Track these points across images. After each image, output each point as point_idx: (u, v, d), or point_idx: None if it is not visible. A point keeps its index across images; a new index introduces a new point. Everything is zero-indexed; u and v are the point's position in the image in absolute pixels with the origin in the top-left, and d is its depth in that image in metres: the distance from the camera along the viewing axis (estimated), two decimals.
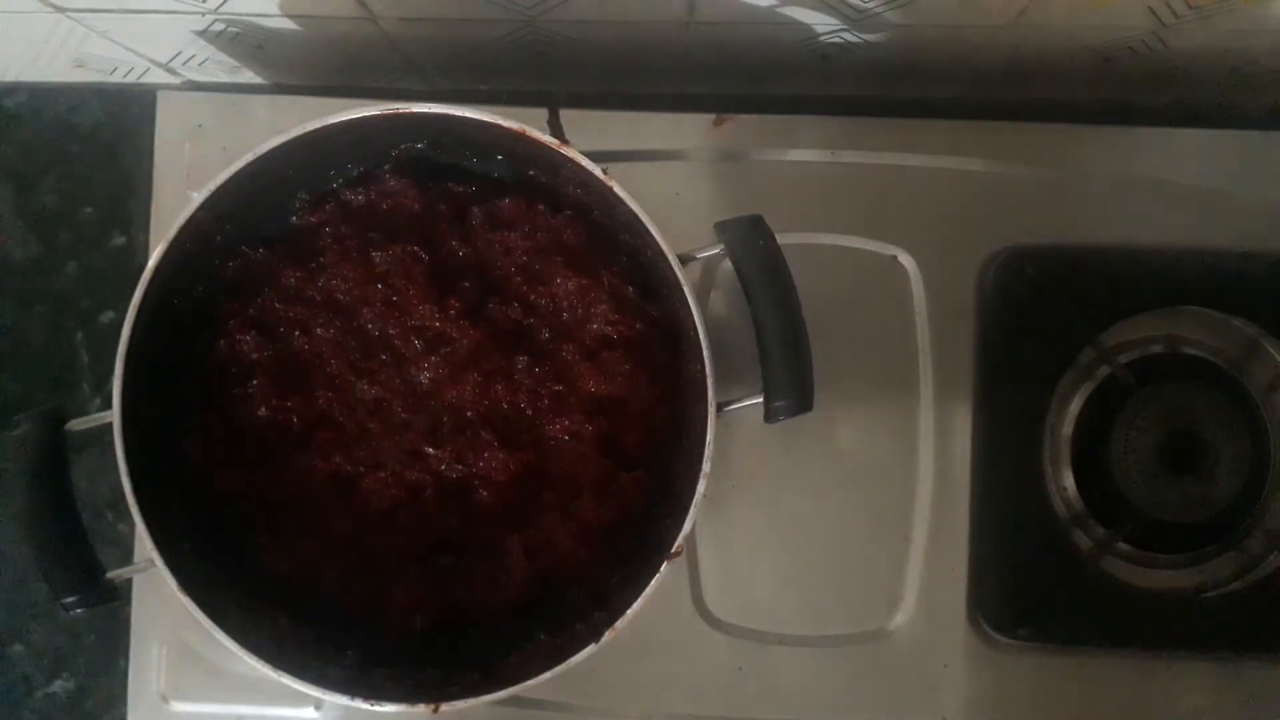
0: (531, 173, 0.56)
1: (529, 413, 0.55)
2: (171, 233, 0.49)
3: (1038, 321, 0.60)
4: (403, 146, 0.55)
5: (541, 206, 0.56)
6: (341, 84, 0.66)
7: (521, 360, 0.55)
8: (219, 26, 0.57)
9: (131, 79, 0.66)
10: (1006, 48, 0.59)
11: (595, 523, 0.55)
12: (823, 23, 0.56)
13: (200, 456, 0.54)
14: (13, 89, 0.66)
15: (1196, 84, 0.65)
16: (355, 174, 0.56)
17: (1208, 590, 0.61)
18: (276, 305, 0.55)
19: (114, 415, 0.48)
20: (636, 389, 0.55)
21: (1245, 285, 0.61)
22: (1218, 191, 0.62)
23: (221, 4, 0.53)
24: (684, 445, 0.55)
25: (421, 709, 0.48)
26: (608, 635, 0.48)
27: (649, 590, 0.48)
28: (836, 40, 0.58)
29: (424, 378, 0.55)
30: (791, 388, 0.48)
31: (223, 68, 0.64)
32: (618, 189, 0.49)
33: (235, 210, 0.51)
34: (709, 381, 0.48)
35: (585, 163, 0.49)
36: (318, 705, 0.60)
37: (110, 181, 0.66)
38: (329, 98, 0.62)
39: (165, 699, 0.61)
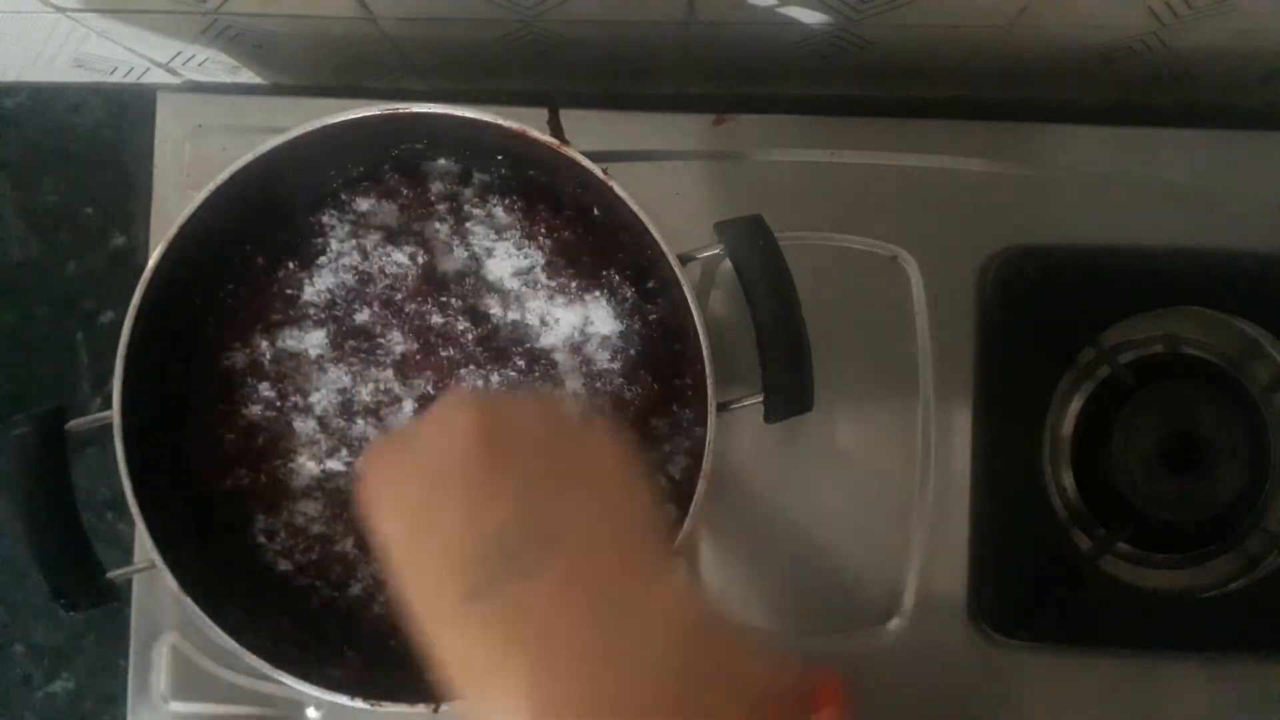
0: (531, 173, 0.56)
1: None
2: (171, 233, 0.49)
3: (1038, 321, 0.60)
4: (403, 146, 0.55)
5: (541, 206, 0.56)
6: (341, 84, 0.66)
7: (520, 360, 0.55)
8: (219, 26, 0.57)
9: (131, 79, 0.66)
10: (1006, 48, 0.59)
11: None
12: (823, 23, 0.56)
13: (200, 456, 0.54)
14: (13, 89, 0.66)
15: (1196, 84, 0.65)
16: (355, 174, 0.56)
17: (1208, 590, 0.61)
18: (276, 305, 0.55)
19: (114, 415, 0.48)
20: (636, 389, 0.55)
21: (1245, 285, 0.61)
22: (1218, 191, 0.62)
23: (221, 4, 0.53)
24: (684, 445, 0.55)
25: (421, 709, 0.48)
26: None
27: None
28: (836, 40, 0.58)
29: (423, 377, 0.55)
30: (791, 388, 0.48)
31: (223, 68, 0.64)
32: (618, 189, 0.49)
33: (235, 210, 0.51)
34: (709, 381, 0.48)
35: (585, 163, 0.49)
36: (318, 705, 0.60)
37: (110, 181, 0.66)
38: (329, 98, 0.62)
39: (165, 699, 0.61)
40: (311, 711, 0.60)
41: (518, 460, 0.33)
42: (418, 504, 0.33)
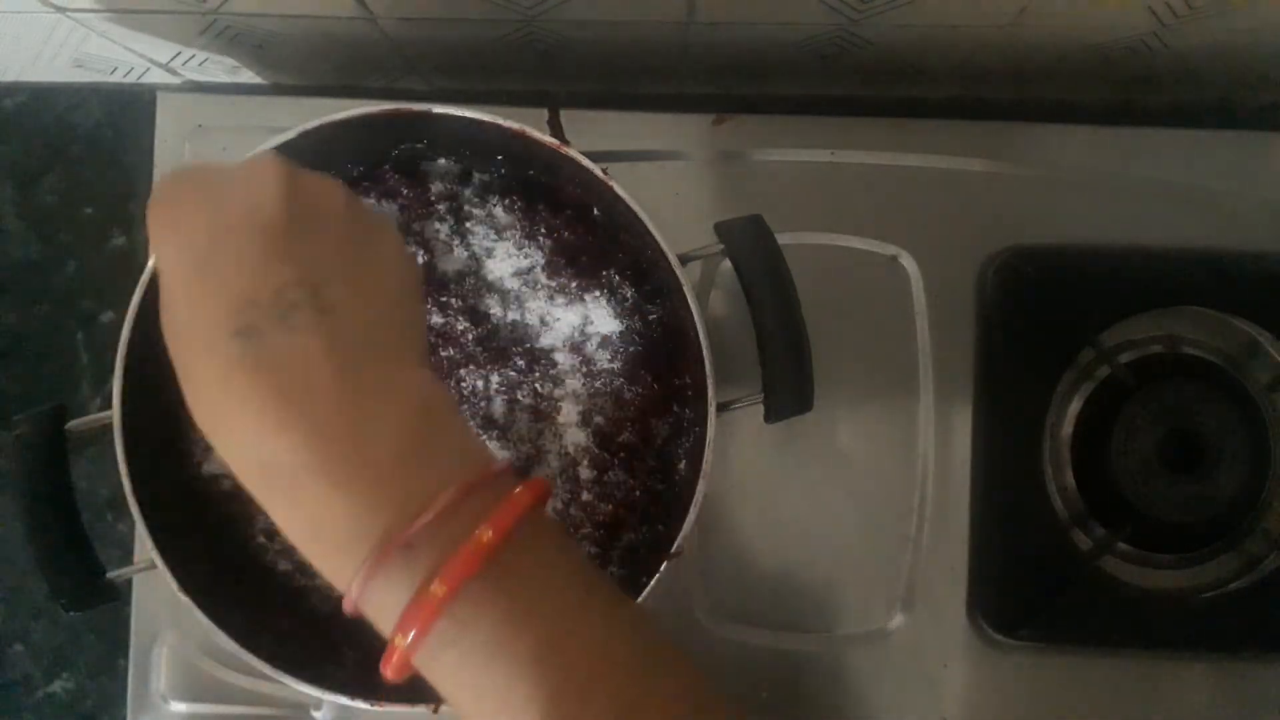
0: (531, 173, 0.56)
1: (528, 413, 0.55)
2: None
3: (1038, 321, 0.60)
4: (403, 146, 0.55)
5: (541, 206, 0.56)
6: (341, 84, 0.66)
7: (520, 360, 0.55)
8: (219, 26, 0.57)
9: (131, 79, 0.66)
10: (1006, 48, 0.59)
11: (594, 522, 0.55)
12: (823, 23, 0.56)
13: (200, 456, 0.54)
14: (13, 89, 0.66)
15: (1196, 84, 0.65)
16: (355, 174, 0.56)
17: (1208, 590, 0.61)
18: None
19: (114, 415, 0.48)
20: (636, 389, 0.55)
21: (1245, 285, 0.61)
22: (1218, 191, 0.62)
23: (221, 4, 0.53)
24: (684, 445, 0.55)
25: (421, 709, 0.48)
26: None
27: (649, 590, 0.48)
28: (836, 40, 0.58)
29: None
30: (791, 388, 0.48)
31: (223, 68, 0.64)
32: (618, 189, 0.49)
33: None
34: (709, 381, 0.48)
35: (585, 163, 0.49)
36: (317, 705, 0.60)
37: (110, 181, 0.66)
38: (329, 98, 0.62)
39: (165, 699, 0.61)
40: (311, 712, 0.60)
41: (314, 235, 0.35)
42: (210, 241, 0.34)
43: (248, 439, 0.33)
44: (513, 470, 0.36)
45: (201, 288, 0.34)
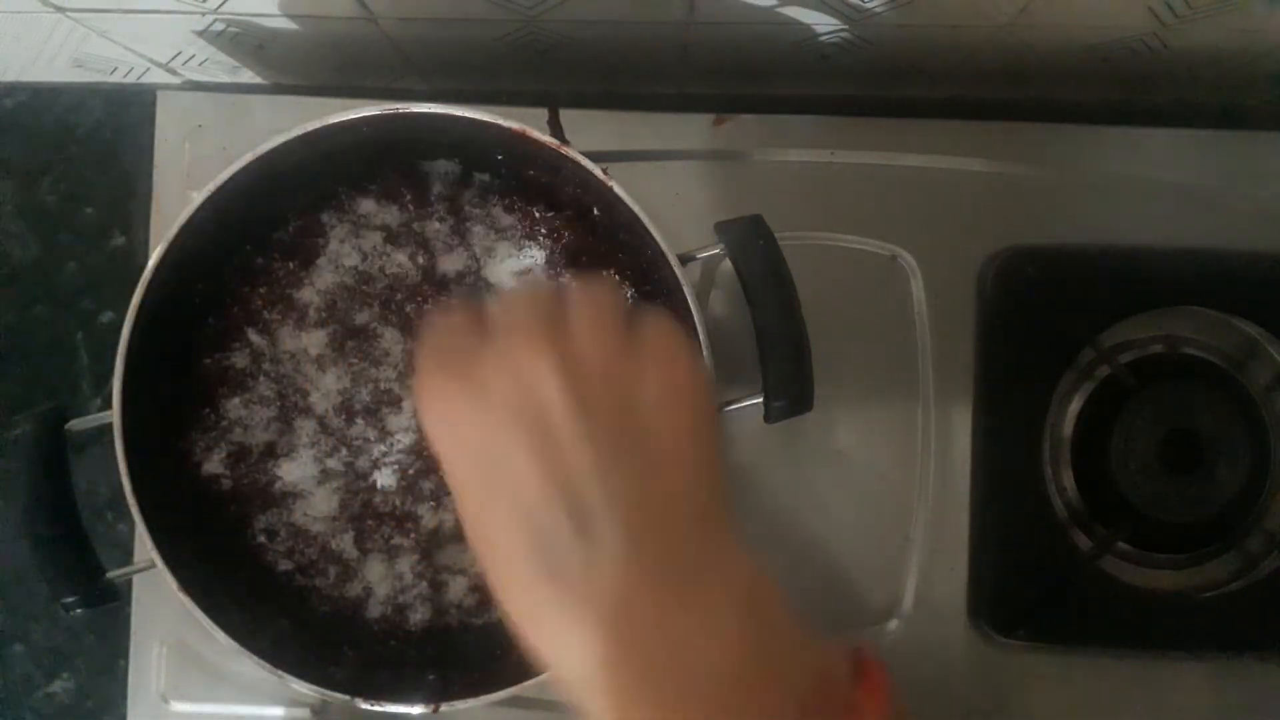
0: (531, 173, 0.56)
1: None
2: (171, 233, 0.49)
3: (1038, 321, 0.60)
4: (403, 146, 0.55)
5: (541, 207, 0.56)
6: (341, 84, 0.66)
7: None
8: (219, 26, 0.57)
9: (131, 79, 0.66)
10: (1006, 48, 0.59)
11: None
12: (823, 23, 0.56)
13: (200, 456, 0.54)
14: (13, 89, 0.66)
15: (1196, 84, 0.65)
16: (355, 174, 0.56)
17: (1208, 590, 0.61)
18: (276, 305, 0.55)
19: (114, 415, 0.48)
20: None
21: (1245, 285, 0.61)
22: (1218, 191, 0.62)
23: (221, 4, 0.53)
24: None
25: (421, 709, 0.48)
26: None
27: None
28: (836, 40, 0.58)
29: None
30: (791, 388, 0.48)
31: (223, 68, 0.64)
32: (618, 189, 0.49)
33: (235, 210, 0.51)
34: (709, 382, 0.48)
35: (585, 163, 0.49)
36: (317, 705, 0.60)
37: (110, 181, 0.66)
38: (329, 98, 0.62)
39: (165, 699, 0.61)
40: (310, 712, 0.60)
41: (591, 401, 0.30)
42: (484, 442, 0.30)
43: (566, 655, 0.30)
44: (844, 652, 0.32)
45: (490, 496, 0.31)
